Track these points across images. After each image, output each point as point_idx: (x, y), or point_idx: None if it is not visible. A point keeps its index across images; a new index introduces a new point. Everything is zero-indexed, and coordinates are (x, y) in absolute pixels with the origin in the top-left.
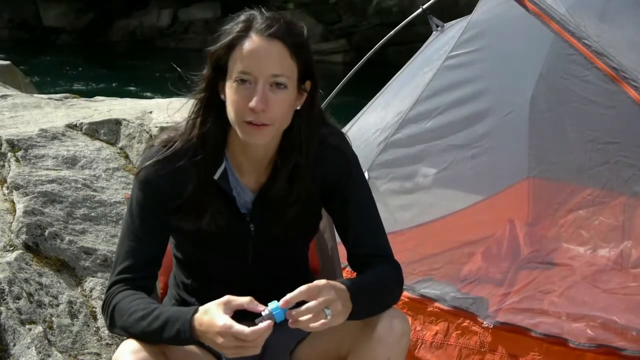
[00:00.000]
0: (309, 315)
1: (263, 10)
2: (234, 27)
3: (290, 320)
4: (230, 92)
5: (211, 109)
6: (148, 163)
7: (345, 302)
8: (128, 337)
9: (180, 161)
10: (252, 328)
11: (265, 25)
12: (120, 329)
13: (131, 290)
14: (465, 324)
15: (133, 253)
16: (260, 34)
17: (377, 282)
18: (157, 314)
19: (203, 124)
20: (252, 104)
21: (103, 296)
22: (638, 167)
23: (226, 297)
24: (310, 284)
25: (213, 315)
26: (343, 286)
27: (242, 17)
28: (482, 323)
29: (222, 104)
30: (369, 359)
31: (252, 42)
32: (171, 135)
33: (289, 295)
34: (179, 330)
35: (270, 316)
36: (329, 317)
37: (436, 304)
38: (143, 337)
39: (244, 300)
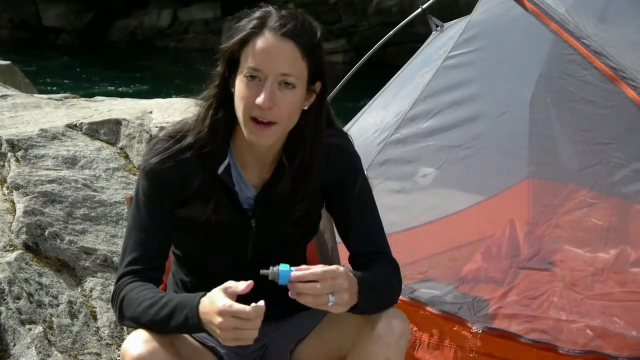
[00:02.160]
0: (311, 294)
1: (278, 8)
2: (248, 23)
3: (290, 291)
4: (239, 86)
5: (223, 102)
6: (154, 154)
7: (352, 294)
8: (137, 329)
9: (185, 153)
10: (252, 307)
11: (279, 23)
12: (129, 319)
13: (140, 282)
14: (455, 328)
15: (140, 244)
16: (273, 32)
17: (382, 280)
18: (165, 301)
19: (214, 116)
20: (259, 100)
21: (103, 296)
22: (631, 168)
23: (227, 283)
24: (328, 268)
25: (214, 297)
26: (355, 279)
27: (258, 14)
28: (471, 328)
29: (232, 98)
30: (369, 358)
31: (264, 39)
32: (177, 128)
33: (302, 273)
34: (186, 316)
35: (275, 275)
36: (330, 304)
37: (427, 309)
38: (152, 326)
39: (240, 287)
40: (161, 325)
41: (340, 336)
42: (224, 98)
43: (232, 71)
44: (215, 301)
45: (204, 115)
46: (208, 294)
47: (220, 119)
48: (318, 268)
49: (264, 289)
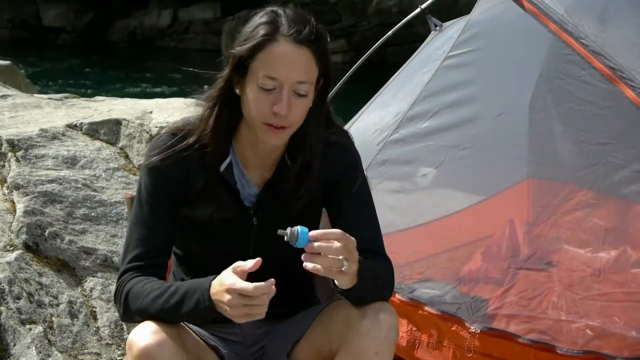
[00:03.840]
0: (328, 256)
1: (284, 9)
2: (258, 29)
3: (305, 256)
4: (252, 93)
5: (226, 102)
6: (157, 151)
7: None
8: (143, 321)
9: (188, 151)
10: (254, 284)
11: (294, 30)
12: (136, 313)
13: (143, 276)
14: (454, 328)
15: (143, 241)
16: (289, 40)
17: (377, 271)
18: (173, 289)
19: (218, 116)
20: (277, 109)
21: (103, 296)
22: (630, 169)
23: (235, 264)
24: (345, 233)
25: (223, 277)
26: None
27: (266, 18)
28: (469, 328)
29: (236, 98)
30: (358, 354)
31: (280, 46)
32: (179, 126)
33: (321, 231)
34: (198, 300)
35: (293, 235)
36: (344, 269)
37: (426, 308)
38: (161, 316)
39: (248, 264)
40: (172, 314)
41: (329, 333)
42: (228, 98)
43: (239, 74)
44: (224, 280)
45: (207, 115)
46: (218, 276)
47: (224, 119)
48: (336, 230)
49: None
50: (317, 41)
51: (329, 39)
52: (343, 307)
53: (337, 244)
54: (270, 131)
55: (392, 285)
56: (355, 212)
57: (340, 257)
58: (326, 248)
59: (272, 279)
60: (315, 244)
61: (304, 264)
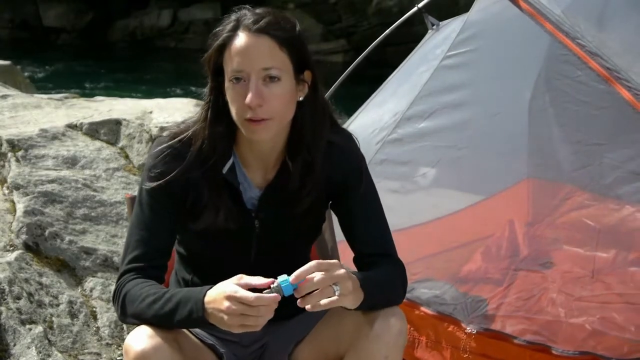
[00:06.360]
0: (317, 290)
1: (252, 7)
2: (224, 28)
3: (299, 301)
4: (228, 92)
5: (218, 112)
6: (158, 154)
7: (356, 285)
8: (139, 325)
9: (189, 154)
10: (256, 294)
11: (251, 20)
12: (132, 316)
13: (142, 279)
14: (450, 329)
15: (143, 242)
16: (247, 31)
17: (385, 278)
18: (169, 296)
19: (213, 128)
20: (247, 100)
21: (103, 296)
22: (624, 169)
23: (240, 275)
24: (321, 261)
25: (224, 285)
26: (354, 276)
27: (232, 17)
28: (466, 329)
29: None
30: (367, 357)
31: (240, 39)
32: (181, 129)
33: (299, 270)
34: (191, 310)
35: (278, 289)
36: (337, 294)
37: (422, 309)
38: (155, 321)
39: (253, 279)
40: (165, 320)
41: (337, 336)
42: (220, 108)
43: (222, 81)
44: (224, 288)
45: (201, 127)
46: (217, 285)
47: (220, 129)
48: (310, 263)
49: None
50: (277, 28)
51: (296, 26)
52: (352, 310)
53: (318, 276)
54: (251, 126)
55: (404, 288)
56: (361, 215)
57: (330, 284)
58: (312, 284)
59: (277, 295)
60: (302, 286)
61: (305, 308)
